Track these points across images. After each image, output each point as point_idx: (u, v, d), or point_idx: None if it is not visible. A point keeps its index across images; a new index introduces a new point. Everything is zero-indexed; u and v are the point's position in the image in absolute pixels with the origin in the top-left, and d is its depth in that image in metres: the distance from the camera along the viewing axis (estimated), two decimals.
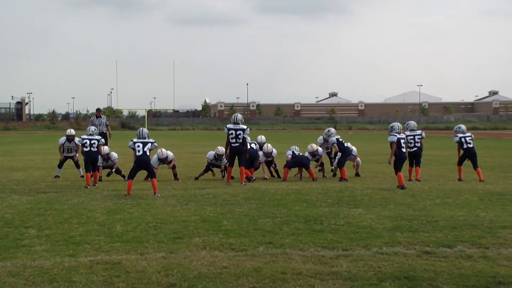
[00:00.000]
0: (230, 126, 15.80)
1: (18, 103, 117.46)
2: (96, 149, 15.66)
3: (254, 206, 11.78)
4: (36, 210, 11.32)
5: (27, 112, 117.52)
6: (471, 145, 16.72)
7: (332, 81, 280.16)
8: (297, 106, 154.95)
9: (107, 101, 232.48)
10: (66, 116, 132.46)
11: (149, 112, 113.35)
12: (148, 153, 13.97)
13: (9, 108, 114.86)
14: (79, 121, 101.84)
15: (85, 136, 15.83)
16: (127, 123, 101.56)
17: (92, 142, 15.61)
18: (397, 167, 15.15)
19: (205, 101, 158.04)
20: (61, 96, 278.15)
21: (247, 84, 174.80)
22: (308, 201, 12.36)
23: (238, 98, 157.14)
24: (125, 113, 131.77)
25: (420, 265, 7.22)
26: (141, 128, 14.56)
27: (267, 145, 17.40)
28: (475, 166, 16.63)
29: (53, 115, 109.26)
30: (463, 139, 16.79)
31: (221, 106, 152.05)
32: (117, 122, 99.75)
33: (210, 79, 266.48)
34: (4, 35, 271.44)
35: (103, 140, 16.23)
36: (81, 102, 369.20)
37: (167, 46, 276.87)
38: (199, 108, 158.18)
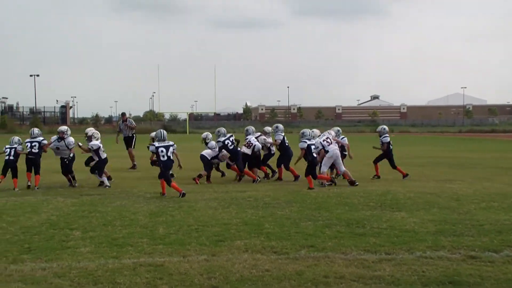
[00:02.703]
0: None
1: (62, 107, 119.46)
2: (37, 150, 16.00)
3: (296, 209, 11.74)
4: (80, 212, 11.48)
5: (71, 115, 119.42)
6: None
7: (374, 83, 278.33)
8: (339, 109, 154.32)
9: (149, 104, 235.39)
10: (109, 120, 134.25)
11: (191, 115, 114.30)
12: (171, 157, 14.28)
13: (54, 112, 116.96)
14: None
15: (28, 139, 16.18)
16: (168, 126, 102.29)
17: (33, 144, 16.00)
18: (312, 173, 15.28)
19: (246, 104, 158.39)
20: (104, 100, 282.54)
21: (288, 87, 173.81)
22: (350, 204, 12.28)
23: (279, 101, 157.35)
24: (167, 116, 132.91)
25: (465, 270, 7.10)
26: (162, 130, 14.88)
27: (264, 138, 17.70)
28: None
29: (96, 119, 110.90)
30: None
31: (262, 109, 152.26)
32: (159, 125, 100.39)
33: (251, 82, 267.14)
34: (49, 41, 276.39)
35: (45, 141, 16.31)
36: (123, 105, 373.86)
37: (208, 49, 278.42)
38: (240, 111, 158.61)
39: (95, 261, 7.60)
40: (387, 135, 17.97)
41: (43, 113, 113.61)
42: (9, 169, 15.68)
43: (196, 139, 19.57)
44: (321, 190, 14.76)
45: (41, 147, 16.06)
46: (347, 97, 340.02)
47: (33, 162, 15.88)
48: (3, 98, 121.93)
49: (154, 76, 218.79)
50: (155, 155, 14.70)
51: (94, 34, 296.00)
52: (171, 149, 14.29)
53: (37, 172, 15.92)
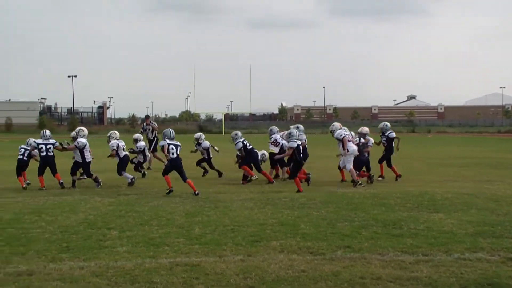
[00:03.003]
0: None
1: (99, 107, 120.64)
2: (52, 153, 16.21)
3: (332, 209, 11.69)
4: (117, 212, 11.59)
5: (108, 116, 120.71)
6: None
7: (411, 83, 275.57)
8: (375, 109, 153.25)
9: (185, 104, 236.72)
10: (145, 120, 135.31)
11: (226, 115, 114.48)
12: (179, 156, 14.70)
13: (91, 112, 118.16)
14: (158, 124, 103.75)
15: (40, 141, 16.27)
16: (204, 126, 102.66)
17: (48, 146, 16.15)
18: (294, 174, 15.20)
19: (282, 104, 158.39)
20: (140, 100, 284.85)
21: (324, 87, 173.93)
22: (386, 205, 12.18)
23: (315, 101, 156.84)
24: (202, 116, 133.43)
25: (505, 272, 7.00)
26: (170, 129, 15.21)
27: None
28: None
29: (133, 119, 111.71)
30: None
31: (297, 110, 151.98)
32: (195, 125, 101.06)
33: (286, 82, 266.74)
34: (87, 42, 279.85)
35: (57, 143, 16.48)
36: (159, 106, 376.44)
37: (243, 50, 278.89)
38: (276, 111, 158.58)
39: (132, 261, 7.67)
40: (391, 130, 17.77)
41: (80, 113, 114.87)
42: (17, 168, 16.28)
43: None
44: (357, 190, 14.66)
45: (55, 148, 16.34)
46: (384, 97, 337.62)
47: (50, 164, 16.17)
48: (42, 99, 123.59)
49: (190, 76, 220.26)
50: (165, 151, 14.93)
51: (130, 35, 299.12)
52: (179, 148, 14.74)
53: (55, 172, 16.21)
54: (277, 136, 17.75)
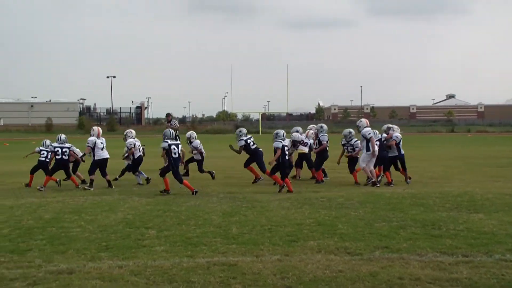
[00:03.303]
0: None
1: (137, 107, 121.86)
2: (67, 157, 16.37)
3: (369, 209, 11.62)
4: (155, 212, 11.68)
5: (146, 116, 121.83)
6: None
7: (449, 82, 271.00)
8: (413, 109, 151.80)
9: (222, 104, 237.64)
10: (182, 120, 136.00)
11: (263, 115, 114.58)
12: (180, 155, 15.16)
13: (130, 112, 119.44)
14: (195, 124, 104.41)
15: (56, 144, 16.52)
16: (241, 126, 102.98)
17: (64, 150, 16.35)
18: (274, 172, 15.41)
19: (319, 104, 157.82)
20: (178, 100, 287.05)
21: (361, 86, 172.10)
22: (425, 205, 12.05)
23: (352, 101, 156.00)
24: (239, 116, 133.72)
25: None
26: (170, 130, 15.41)
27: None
28: None
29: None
30: None
31: (334, 109, 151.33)
32: (232, 125, 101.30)
33: (323, 82, 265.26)
34: (125, 43, 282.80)
35: (73, 147, 16.75)
36: (197, 105, 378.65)
37: (280, 49, 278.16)
38: (313, 111, 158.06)
39: (170, 260, 7.72)
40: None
41: (119, 113, 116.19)
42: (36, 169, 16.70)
43: (268, 139, 19.57)
44: (395, 190, 14.53)
45: (70, 153, 16.55)
46: (422, 96, 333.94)
47: (64, 167, 16.45)
48: (81, 99, 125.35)
49: (227, 76, 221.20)
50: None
51: (168, 36, 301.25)
52: (180, 147, 15.03)
53: (69, 175, 16.56)
54: (304, 136, 17.72)
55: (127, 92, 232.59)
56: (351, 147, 17.01)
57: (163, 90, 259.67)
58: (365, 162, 15.96)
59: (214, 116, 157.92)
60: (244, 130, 17.37)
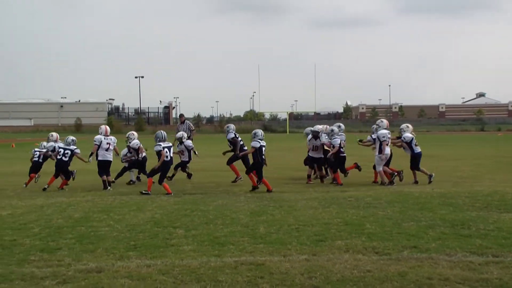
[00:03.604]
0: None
1: (165, 107, 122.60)
2: (67, 159, 16.40)
3: (397, 209, 11.53)
4: (183, 211, 11.72)
5: (173, 115, 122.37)
6: None
7: (479, 81, 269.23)
8: (442, 108, 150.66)
9: (249, 104, 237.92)
10: (210, 120, 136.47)
11: (291, 114, 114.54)
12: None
13: (158, 112, 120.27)
14: (223, 124, 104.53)
15: (61, 145, 16.73)
16: (269, 126, 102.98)
17: (66, 152, 16.42)
18: (250, 171, 15.56)
19: (347, 103, 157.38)
20: (205, 100, 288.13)
21: (390, 85, 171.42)
22: (454, 205, 11.93)
23: (380, 100, 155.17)
24: (267, 116, 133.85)
25: None
26: (162, 131, 15.47)
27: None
28: None
29: (198, 119, 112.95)
30: None
31: (362, 108, 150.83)
32: (259, 125, 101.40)
33: (351, 81, 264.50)
34: (153, 43, 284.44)
35: (77, 150, 16.67)
36: (224, 105, 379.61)
37: (307, 49, 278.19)
38: (341, 110, 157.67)
39: (197, 259, 7.74)
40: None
41: (147, 113, 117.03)
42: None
43: (296, 138, 19.54)
44: (424, 190, 14.41)
45: (73, 155, 16.57)
46: (451, 95, 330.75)
47: (62, 169, 16.48)
48: (110, 99, 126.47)
49: (254, 76, 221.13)
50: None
51: (195, 36, 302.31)
52: (172, 149, 15.26)
53: (67, 178, 16.56)
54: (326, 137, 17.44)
55: (155, 92, 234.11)
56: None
57: (191, 90, 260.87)
58: (380, 165, 16.00)
59: (242, 116, 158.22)
60: (231, 126, 17.47)
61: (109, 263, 7.60)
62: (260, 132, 15.83)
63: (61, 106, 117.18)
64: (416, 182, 16.08)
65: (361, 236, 8.98)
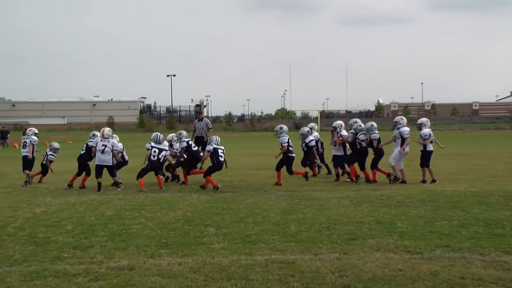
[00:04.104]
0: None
1: (197, 105, 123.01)
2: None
3: (430, 208, 11.43)
4: (214, 209, 11.76)
5: (205, 114, 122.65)
6: None
7: None
8: (475, 105, 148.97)
9: (280, 102, 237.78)
10: (241, 118, 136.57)
11: (322, 113, 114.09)
12: (161, 160, 15.59)
13: (189, 110, 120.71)
14: (254, 122, 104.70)
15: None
16: (300, 124, 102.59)
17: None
18: (208, 172, 15.47)
19: (378, 101, 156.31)
20: (237, 99, 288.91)
21: (422, 83, 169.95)
22: (487, 204, 11.79)
23: (413, 98, 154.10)
24: (298, 114, 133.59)
25: None
26: (158, 134, 15.86)
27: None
28: None
29: (229, 117, 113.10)
30: None
31: (394, 107, 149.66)
32: (290, 123, 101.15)
33: (383, 79, 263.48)
34: (184, 42, 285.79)
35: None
36: (255, 104, 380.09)
37: (339, 47, 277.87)
38: (372, 108, 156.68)
39: (228, 257, 7.76)
40: (376, 132, 16.49)
41: (178, 112, 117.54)
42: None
43: (326, 137, 19.50)
44: (456, 189, 14.25)
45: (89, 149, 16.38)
46: (485, 93, 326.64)
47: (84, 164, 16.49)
48: (142, 98, 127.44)
49: (286, 74, 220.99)
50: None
51: (226, 35, 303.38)
52: (163, 153, 15.51)
53: (88, 174, 16.47)
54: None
55: (186, 91, 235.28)
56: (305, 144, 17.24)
57: (222, 88, 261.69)
58: (396, 160, 15.85)
59: (273, 114, 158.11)
60: (184, 133, 17.07)
61: (140, 261, 7.66)
62: (215, 138, 15.81)
63: (94, 105, 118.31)
64: (424, 181, 15.82)
65: (392, 235, 8.93)
